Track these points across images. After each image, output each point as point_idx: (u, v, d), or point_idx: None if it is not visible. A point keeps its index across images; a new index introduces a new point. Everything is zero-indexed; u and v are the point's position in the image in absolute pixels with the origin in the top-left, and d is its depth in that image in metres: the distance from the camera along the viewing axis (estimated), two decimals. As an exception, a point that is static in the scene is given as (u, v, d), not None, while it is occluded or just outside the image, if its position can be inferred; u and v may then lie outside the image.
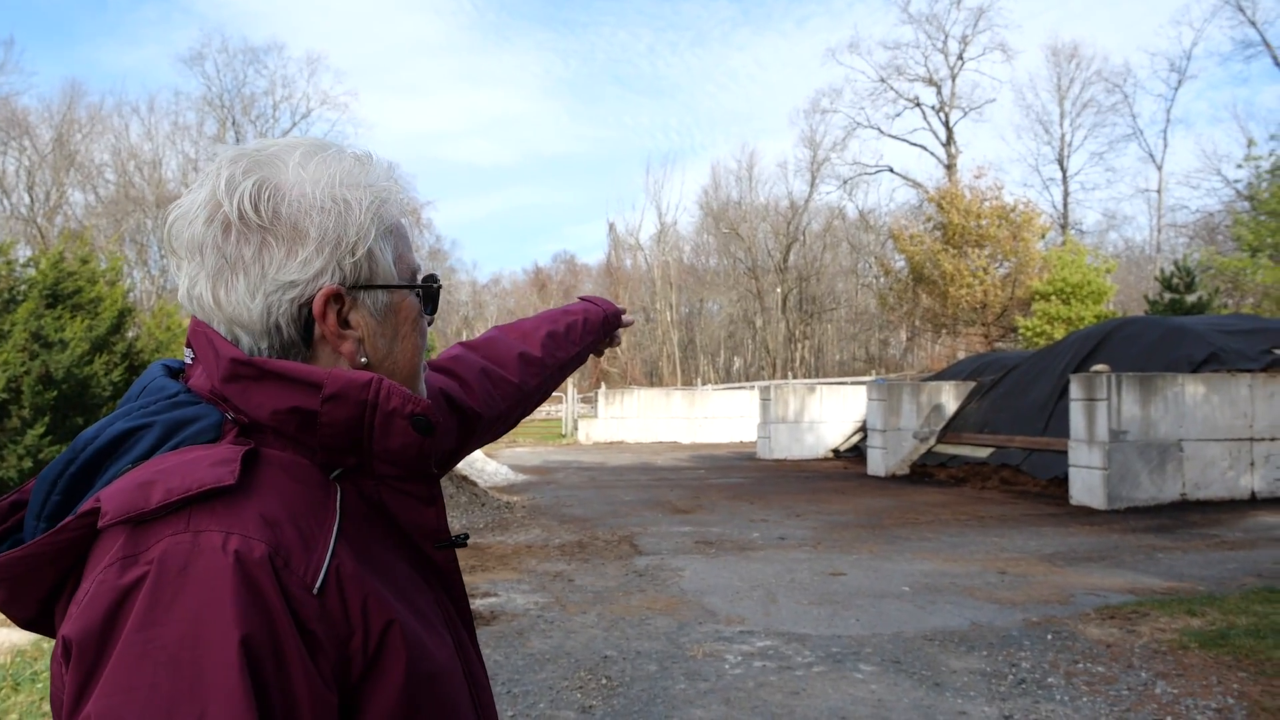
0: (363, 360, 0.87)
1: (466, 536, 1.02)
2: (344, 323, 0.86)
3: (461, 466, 14.32)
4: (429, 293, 0.96)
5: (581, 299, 1.66)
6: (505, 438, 29.68)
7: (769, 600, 6.59)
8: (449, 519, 9.61)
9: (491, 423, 1.33)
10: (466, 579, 7.44)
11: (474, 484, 12.03)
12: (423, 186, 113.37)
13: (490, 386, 1.33)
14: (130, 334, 11.39)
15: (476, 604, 6.50)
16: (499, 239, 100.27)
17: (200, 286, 0.83)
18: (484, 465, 15.86)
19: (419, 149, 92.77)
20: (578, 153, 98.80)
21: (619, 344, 1.72)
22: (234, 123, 51.61)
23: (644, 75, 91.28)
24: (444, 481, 11.28)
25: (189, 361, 0.89)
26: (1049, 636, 5.51)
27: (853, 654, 5.23)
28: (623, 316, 1.71)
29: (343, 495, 0.83)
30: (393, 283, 0.90)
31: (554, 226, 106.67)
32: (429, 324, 0.98)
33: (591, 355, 1.65)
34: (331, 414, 0.80)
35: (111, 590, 0.67)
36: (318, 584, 0.73)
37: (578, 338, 1.55)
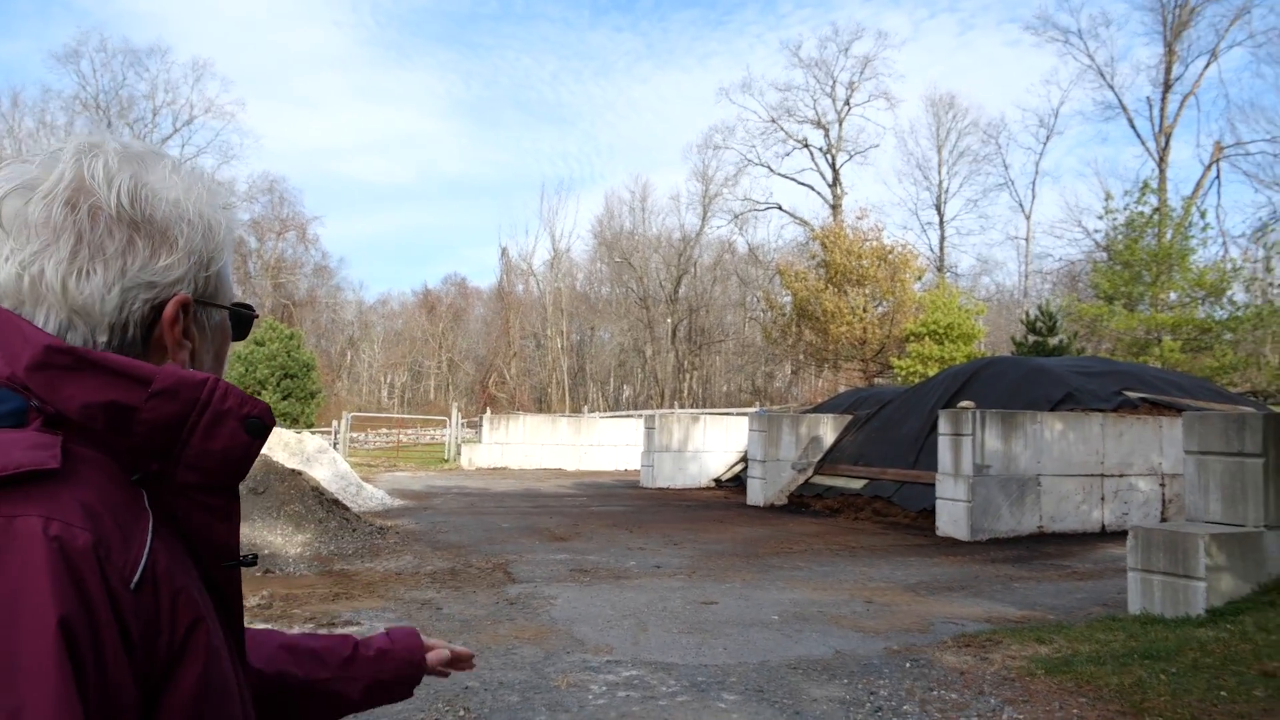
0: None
1: (255, 557, 0.96)
2: (184, 333, 0.87)
3: (335, 489, 13.81)
4: (241, 320, 0.98)
5: (386, 632, 1.33)
6: (385, 460, 28.88)
7: (639, 629, 6.54)
8: (317, 543, 9.19)
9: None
10: (330, 606, 7.14)
11: (345, 508, 11.60)
12: (311, 202, 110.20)
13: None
14: None
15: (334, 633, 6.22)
16: (390, 259, 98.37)
17: (42, 269, 0.79)
18: (359, 490, 15.34)
19: (310, 163, 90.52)
20: (474, 175, 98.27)
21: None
22: (109, 125, 49.09)
23: (546, 102, 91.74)
24: (314, 504, 10.84)
25: None
26: (908, 664, 5.64)
27: (717, 683, 5.22)
28: (448, 661, 1.36)
29: (148, 497, 0.80)
30: (227, 304, 0.94)
31: (447, 249, 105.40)
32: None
33: None
34: (155, 410, 0.78)
35: None
36: (135, 579, 0.71)
37: (336, 663, 1.21)
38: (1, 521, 0.66)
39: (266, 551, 9.26)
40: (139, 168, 0.84)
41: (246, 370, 31.16)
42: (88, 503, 0.71)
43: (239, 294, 0.99)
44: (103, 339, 0.81)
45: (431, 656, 1.32)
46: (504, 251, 62.37)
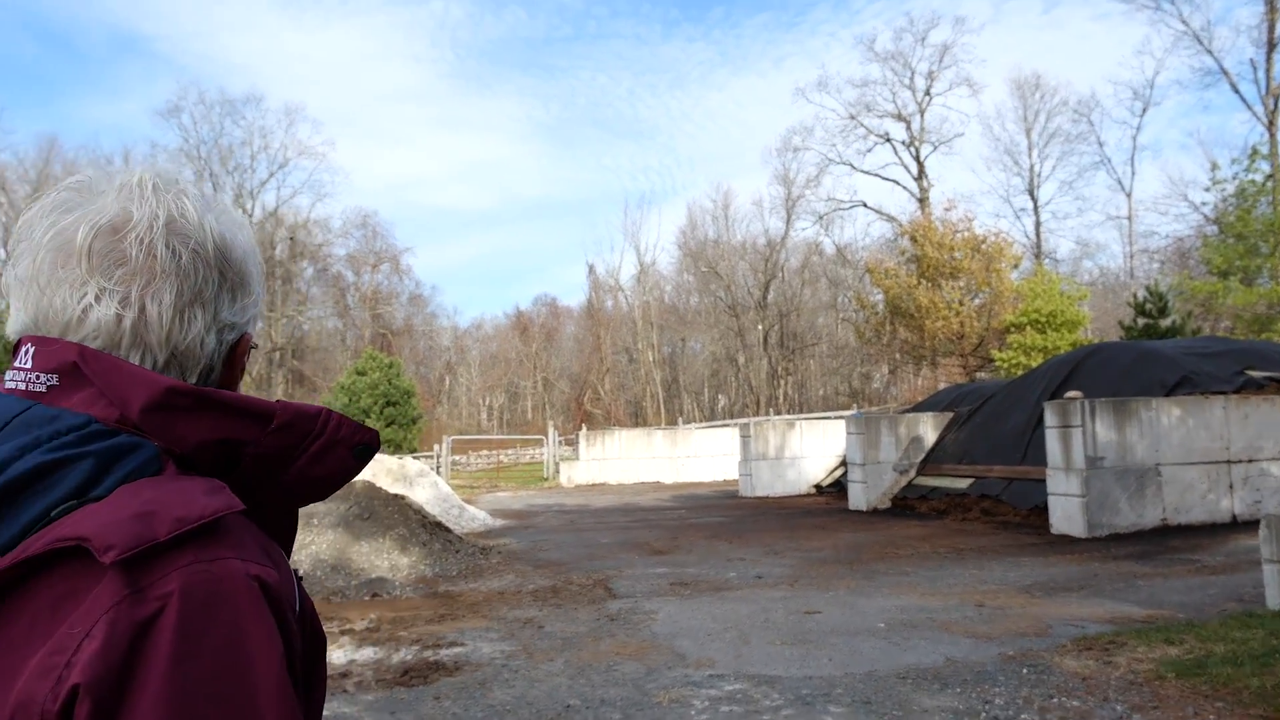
0: None
1: (298, 571, 0.98)
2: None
3: (437, 511, 14.10)
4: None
5: None
6: (486, 481, 29.41)
7: (741, 641, 6.43)
8: (422, 566, 9.37)
9: None
10: (436, 628, 7.25)
11: (448, 530, 11.82)
12: (402, 233, 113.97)
13: None
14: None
15: (441, 654, 6.32)
16: (480, 283, 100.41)
17: (143, 310, 0.79)
18: (461, 511, 15.63)
19: (398, 195, 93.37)
20: (557, 196, 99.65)
21: None
22: (211, 174, 51.74)
23: (624, 118, 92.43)
24: (418, 527, 11.08)
25: (43, 389, 0.77)
26: (1024, 671, 5.38)
27: (823, 695, 5.08)
28: None
29: None
30: (255, 341, 0.97)
31: (535, 270, 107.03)
32: None
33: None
34: (270, 443, 0.79)
35: (129, 628, 0.62)
36: (298, 607, 0.75)
37: None
38: (204, 566, 0.66)
39: (374, 575, 9.48)
40: (215, 214, 0.86)
41: (350, 399, 32.22)
42: (259, 541, 0.74)
43: None
44: (193, 380, 0.83)
45: None
46: (590, 269, 63.05)
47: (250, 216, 51.88)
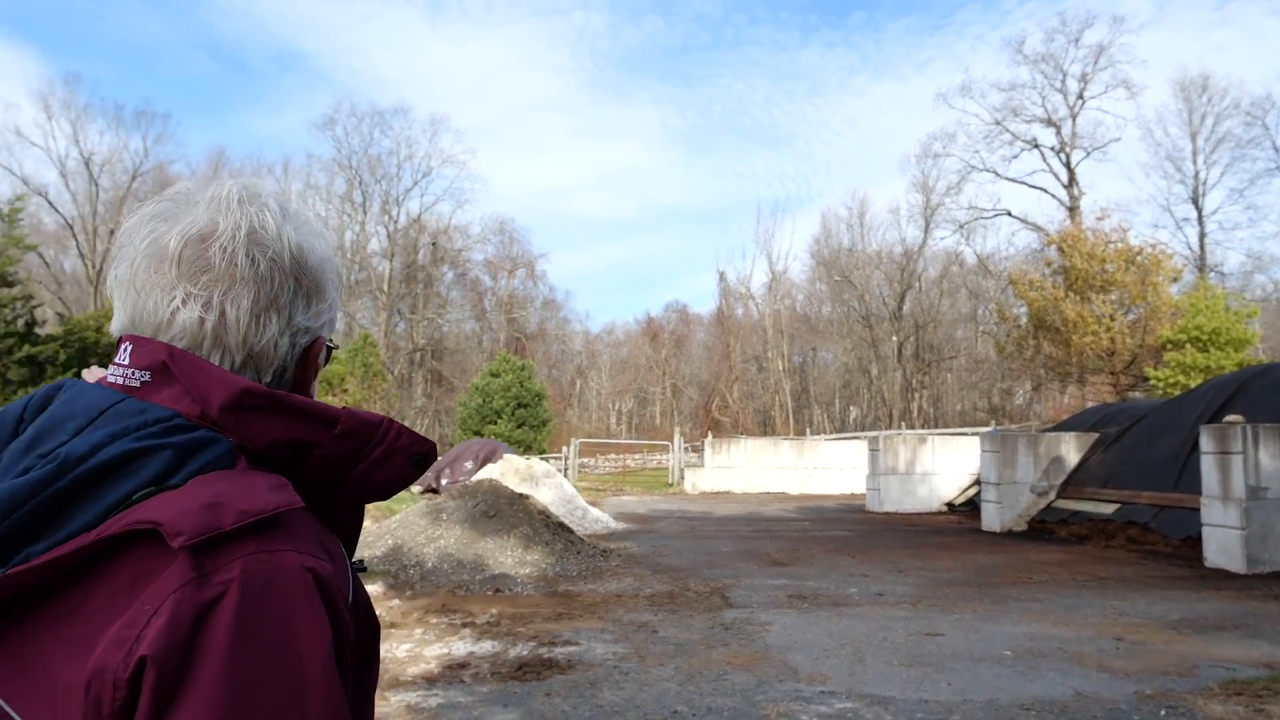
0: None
1: (363, 563, 1.04)
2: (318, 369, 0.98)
3: (561, 512, 14.37)
4: (330, 353, 1.07)
5: None
6: (612, 485, 29.77)
7: (857, 659, 6.28)
8: (544, 565, 9.60)
9: None
10: (553, 626, 7.40)
11: (570, 531, 12.03)
12: (538, 239, 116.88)
13: None
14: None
15: (555, 652, 6.44)
16: (612, 289, 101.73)
17: (223, 313, 0.85)
18: (584, 513, 15.88)
19: (536, 203, 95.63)
20: (691, 203, 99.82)
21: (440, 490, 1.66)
22: (360, 182, 54.53)
23: (760, 125, 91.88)
24: (541, 527, 11.33)
25: (138, 385, 0.84)
26: (1162, 712, 5.03)
27: (939, 721, 4.90)
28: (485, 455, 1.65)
29: None
30: (334, 344, 1.03)
31: (667, 277, 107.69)
32: None
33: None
34: (334, 447, 0.84)
35: (193, 608, 0.68)
36: (350, 599, 0.79)
37: None
38: (264, 556, 0.71)
39: (497, 571, 9.76)
40: (296, 220, 0.92)
41: (484, 400, 33.28)
42: (317, 535, 0.78)
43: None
44: (267, 379, 0.89)
45: None
46: (721, 276, 62.84)
47: (395, 223, 54.46)
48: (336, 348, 1.07)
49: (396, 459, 0.87)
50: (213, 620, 0.68)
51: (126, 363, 0.85)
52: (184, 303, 0.85)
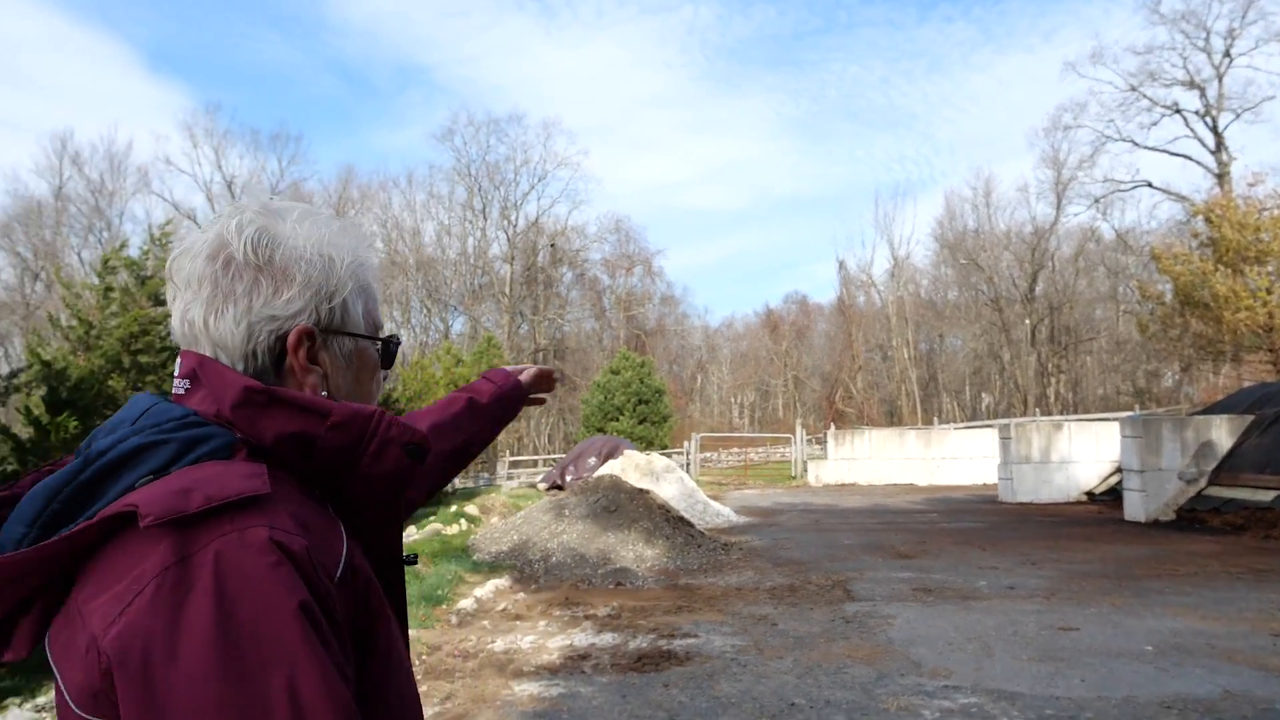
0: (323, 395, 0.99)
1: (415, 557, 1.09)
2: (312, 359, 0.99)
3: (682, 506, 14.45)
4: (386, 349, 1.10)
5: (484, 376, 1.72)
6: (734, 479, 29.68)
7: (983, 654, 6.09)
8: (665, 558, 9.70)
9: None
10: (672, 619, 7.47)
11: (690, 525, 12.09)
12: (654, 235, 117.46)
13: None
14: (389, 385, 12.56)
15: (674, 644, 6.51)
16: (730, 282, 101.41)
17: (193, 313, 0.96)
18: (705, 507, 15.91)
19: (650, 199, 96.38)
20: (807, 192, 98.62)
21: (543, 402, 1.82)
22: (480, 189, 56.11)
23: (876, 108, 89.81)
24: (661, 521, 11.44)
25: (182, 392, 0.98)
26: (1323, 711, 4.68)
27: (1069, 718, 4.70)
28: (538, 380, 1.78)
29: (331, 509, 0.93)
30: (359, 333, 1.05)
31: (785, 267, 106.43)
32: (384, 378, 1.12)
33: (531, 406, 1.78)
34: (332, 439, 0.90)
35: (173, 588, 0.75)
36: (338, 574, 0.84)
37: (466, 424, 1.60)
38: (236, 533, 0.78)
39: (619, 565, 9.91)
40: (269, 220, 0.98)
41: (605, 397, 33.72)
42: (296, 515, 0.84)
43: (389, 326, 1.12)
44: (240, 367, 0.96)
45: (524, 378, 1.75)
46: (841, 264, 61.62)
47: (514, 227, 55.76)
48: (394, 340, 1.12)
49: (391, 449, 0.93)
50: (191, 601, 0.75)
51: (177, 374, 0.98)
52: (183, 313, 0.97)
